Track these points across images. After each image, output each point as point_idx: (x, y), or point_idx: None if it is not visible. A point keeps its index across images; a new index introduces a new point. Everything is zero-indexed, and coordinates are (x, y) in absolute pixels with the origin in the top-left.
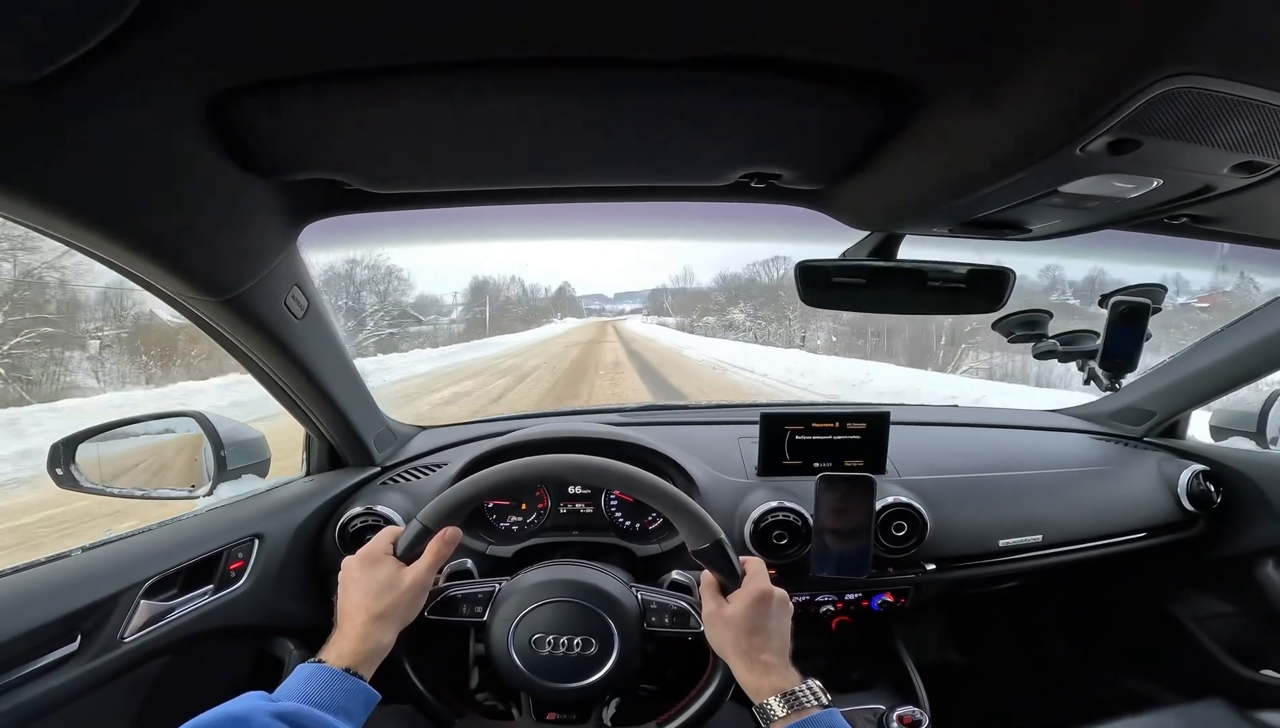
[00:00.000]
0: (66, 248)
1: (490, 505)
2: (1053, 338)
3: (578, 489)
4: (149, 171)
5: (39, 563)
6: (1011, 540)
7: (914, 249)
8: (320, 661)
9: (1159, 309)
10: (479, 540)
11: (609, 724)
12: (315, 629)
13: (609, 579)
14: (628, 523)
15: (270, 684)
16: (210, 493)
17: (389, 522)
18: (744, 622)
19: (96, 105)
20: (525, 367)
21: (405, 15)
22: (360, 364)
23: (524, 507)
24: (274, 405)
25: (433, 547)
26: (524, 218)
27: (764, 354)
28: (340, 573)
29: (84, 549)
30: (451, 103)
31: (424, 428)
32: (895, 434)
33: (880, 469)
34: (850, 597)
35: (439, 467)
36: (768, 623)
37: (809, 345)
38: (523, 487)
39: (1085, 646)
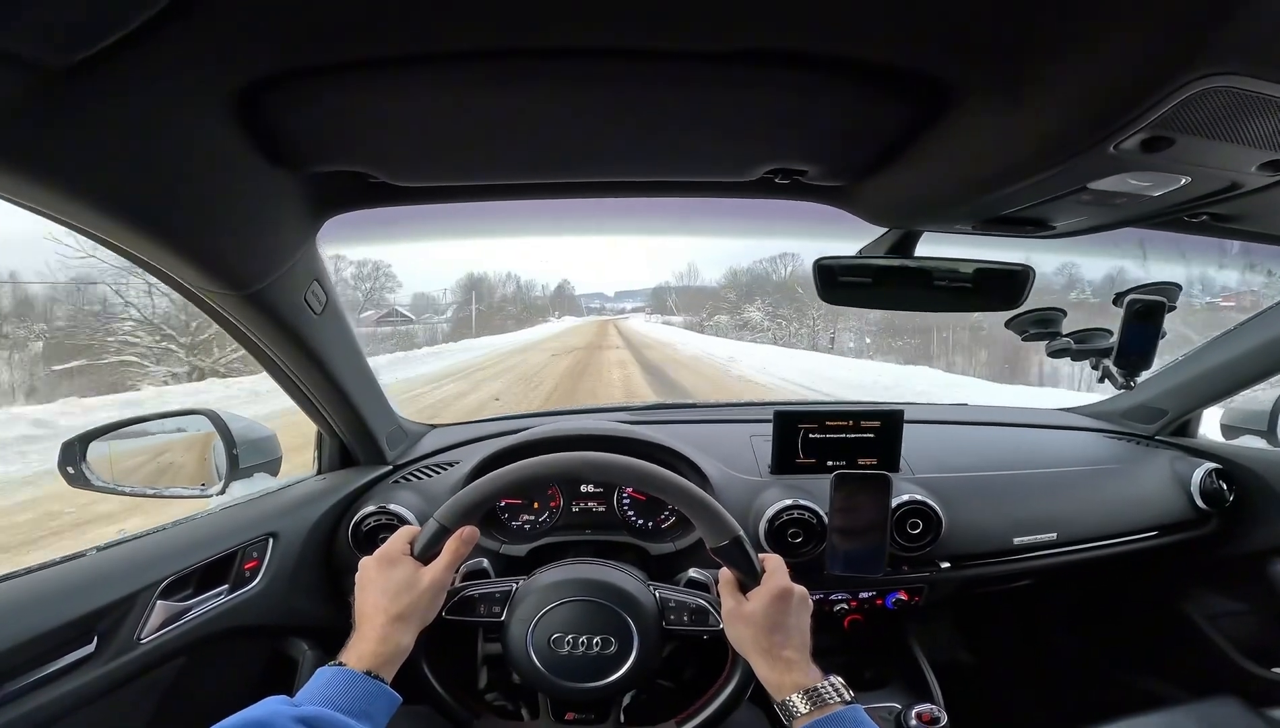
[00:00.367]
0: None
1: (503, 505)
2: (1066, 336)
3: (590, 488)
4: (178, 162)
5: (54, 563)
6: (1026, 539)
7: (929, 246)
8: (340, 663)
9: (1174, 307)
10: (492, 540)
11: (626, 724)
12: (329, 629)
13: (627, 578)
14: (640, 522)
15: (285, 685)
16: (223, 492)
17: (402, 520)
18: (764, 619)
19: (127, 93)
20: (466, 402)
21: (439, 2)
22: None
23: (536, 506)
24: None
25: (450, 546)
26: (524, 215)
27: (863, 367)
28: (358, 574)
29: (99, 549)
30: (481, 94)
31: (434, 426)
32: (906, 433)
33: (894, 467)
34: (864, 595)
35: (450, 465)
36: (788, 620)
37: (838, 348)
38: (538, 485)
39: (1096, 644)
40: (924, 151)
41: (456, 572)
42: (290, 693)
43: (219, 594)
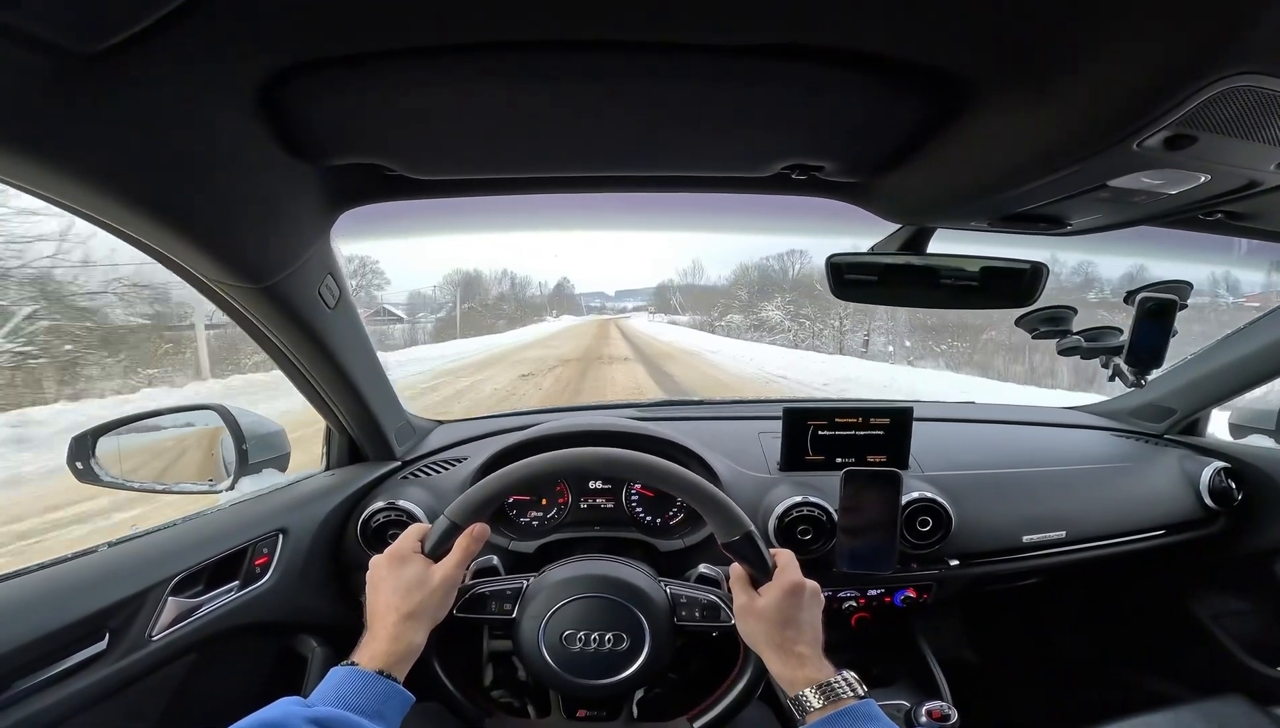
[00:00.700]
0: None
1: (511, 501)
2: (1076, 334)
3: (598, 484)
4: (199, 153)
5: (65, 559)
6: (1035, 536)
7: (941, 243)
8: (353, 663)
9: (1185, 305)
10: (501, 536)
11: (637, 720)
12: (337, 626)
13: (638, 574)
14: (649, 518)
15: (293, 682)
16: (232, 487)
17: (411, 517)
18: (776, 614)
19: (150, 82)
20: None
21: None
22: (212, 386)
23: (544, 502)
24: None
25: (461, 543)
26: (528, 211)
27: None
28: (369, 573)
29: (110, 545)
30: (503, 86)
31: (441, 422)
32: (915, 431)
33: (904, 464)
34: (873, 592)
35: (459, 461)
36: (800, 615)
37: (871, 351)
38: (547, 481)
39: (1103, 643)
40: (942, 148)
41: (467, 569)
42: (299, 690)
43: (230, 590)
